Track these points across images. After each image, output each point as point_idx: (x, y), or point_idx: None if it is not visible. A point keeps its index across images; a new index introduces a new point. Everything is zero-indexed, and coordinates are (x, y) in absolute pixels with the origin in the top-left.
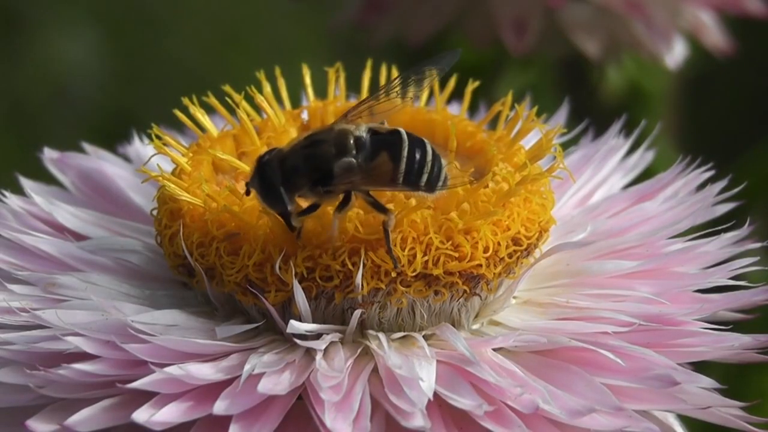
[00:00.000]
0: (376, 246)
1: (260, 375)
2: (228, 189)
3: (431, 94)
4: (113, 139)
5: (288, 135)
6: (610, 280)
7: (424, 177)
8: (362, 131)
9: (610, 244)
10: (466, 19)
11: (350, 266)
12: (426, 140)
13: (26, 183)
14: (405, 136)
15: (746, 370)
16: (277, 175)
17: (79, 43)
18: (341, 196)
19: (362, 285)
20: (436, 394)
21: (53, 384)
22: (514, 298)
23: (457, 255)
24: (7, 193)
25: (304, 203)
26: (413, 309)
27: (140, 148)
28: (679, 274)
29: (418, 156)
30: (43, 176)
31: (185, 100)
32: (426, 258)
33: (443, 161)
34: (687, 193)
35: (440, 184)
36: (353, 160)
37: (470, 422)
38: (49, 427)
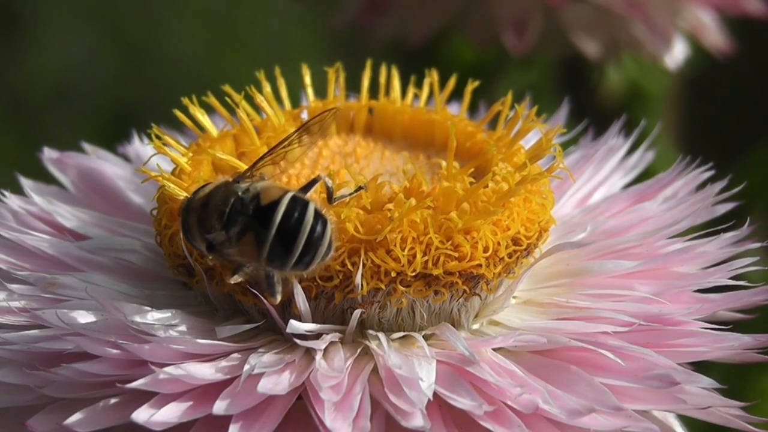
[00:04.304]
0: (376, 246)
1: (260, 375)
2: None
3: (431, 94)
4: (113, 139)
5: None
6: (609, 279)
7: (291, 261)
8: (249, 194)
9: (610, 244)
10: (466, 19)
11: (350, 266)
12: (311, 207)
13: (26, 183)
14: (277, 217)
15: (746, 370)
16: (185, 226)
17: (79, 42)
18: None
19: (362, 285)
20: (436, 394)
21: (53, 384)
22: (514, 298)
23: (456, 255)
24: (7, 193)
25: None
26: (413, 309)
27: (140, 148)
28: (678, 273)
29: (285, 242)
30: (43, 176)
31: (185, 100)
32: (426, 258)
33: (329, 226)
34: (687, 193)
35: (317, 260)
36: (224, 233)
37: (470, 422)
38: (49, 427)
